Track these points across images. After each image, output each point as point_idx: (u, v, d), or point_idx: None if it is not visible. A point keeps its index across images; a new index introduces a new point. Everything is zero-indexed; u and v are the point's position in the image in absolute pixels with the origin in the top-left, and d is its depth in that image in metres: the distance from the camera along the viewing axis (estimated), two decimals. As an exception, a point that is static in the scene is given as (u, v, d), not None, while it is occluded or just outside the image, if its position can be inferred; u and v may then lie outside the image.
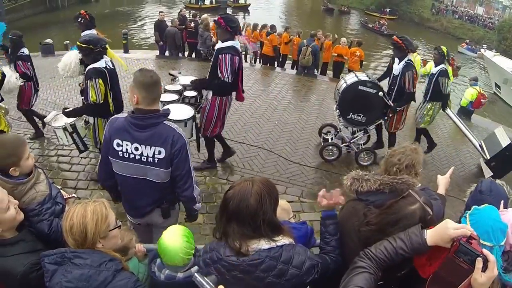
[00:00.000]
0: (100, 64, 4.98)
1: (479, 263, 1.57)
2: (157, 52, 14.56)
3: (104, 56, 5.12)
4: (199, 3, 39.39)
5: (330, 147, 7.38)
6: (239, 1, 42.67)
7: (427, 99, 7.78)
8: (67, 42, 16.20)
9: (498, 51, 24.24)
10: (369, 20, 41.00)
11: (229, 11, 39.23)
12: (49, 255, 2.00)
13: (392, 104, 6.88)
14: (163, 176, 3.11)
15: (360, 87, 6.77)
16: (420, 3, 47.45)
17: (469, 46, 32.71)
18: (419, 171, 2.61)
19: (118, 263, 2.06)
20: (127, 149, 2.98)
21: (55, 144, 6.91)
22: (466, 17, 44.75)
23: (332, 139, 7.67)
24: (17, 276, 2.08)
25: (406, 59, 6.76)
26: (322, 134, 8.02)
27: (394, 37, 6.99)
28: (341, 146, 7.40)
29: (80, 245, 2.01)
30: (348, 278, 1.78)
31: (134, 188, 3.15)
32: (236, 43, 5.59)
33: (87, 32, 6.19)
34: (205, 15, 13.93)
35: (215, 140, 6.47)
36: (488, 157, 7.74)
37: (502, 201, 2.41)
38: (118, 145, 2.99)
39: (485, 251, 1.61)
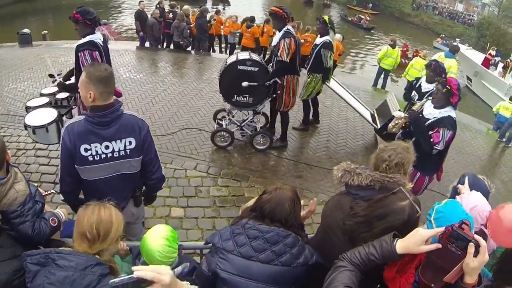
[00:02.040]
0: None
1: (471, 248, 1.60)
2: (137, 43, 14.30)
3: None
4: (179, -6, 38.64)
5: (223, 133, 7.01)
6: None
7: (308, 71, 7.56)
8: (45, 32, 15.78)
9: (477, 48, 24.97)
10: (349, 14, 41.15)
11: (209, 2, 38.85)
12: (32, 255, 1.94)
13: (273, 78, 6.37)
14: (136, 165, 3.17)
15: (240, 67, 6.29)
16: (401, -2, 47.86)
17: (444, 41, 33.16)
18: (408, 170, 2.61)
19: (105, 267, 2.02)
20: (97, 151, 2.92)
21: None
22: (446, 14, 45.50)
23: (227, 124, 7.20)
24: None
25: (285, 28, 6.28)
26: (217, 119, 7.49)
27: (273, 7, 6.47)
28: (233, 131, 7.07)
29: (99, 242, 2.04)
30: (333, 276, 1.82)
31: (108, 188, 3.02)
32: (95, 36, 5.03)
33: None
34: (186, 6, 13.76)
35: None
36: (379, 126, 7.47)
37: (466, 178, 2.53)
38: (86, 150, 2.89)
39: (476, 236, 1.63)
